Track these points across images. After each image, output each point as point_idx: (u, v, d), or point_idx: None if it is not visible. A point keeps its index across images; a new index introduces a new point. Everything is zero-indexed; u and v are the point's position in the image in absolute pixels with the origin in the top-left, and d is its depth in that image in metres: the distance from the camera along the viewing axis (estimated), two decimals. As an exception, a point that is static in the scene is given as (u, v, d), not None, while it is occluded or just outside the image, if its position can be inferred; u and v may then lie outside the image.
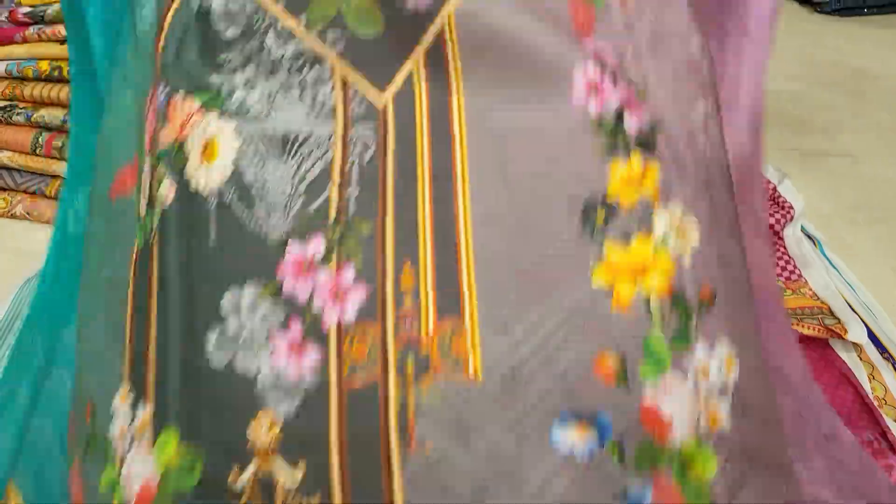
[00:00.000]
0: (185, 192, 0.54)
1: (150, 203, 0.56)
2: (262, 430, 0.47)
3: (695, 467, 0.52)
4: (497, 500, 0.48)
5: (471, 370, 0.51)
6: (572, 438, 0.50)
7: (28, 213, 1.29)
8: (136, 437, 0.51)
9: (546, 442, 0.50)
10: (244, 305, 0.51)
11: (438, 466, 0.48)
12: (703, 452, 0.52)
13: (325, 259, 0.52)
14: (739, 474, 0.53)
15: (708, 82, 0.66)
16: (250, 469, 0.46)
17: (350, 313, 0.51)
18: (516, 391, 0.51)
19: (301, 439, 0.48)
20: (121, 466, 0.52)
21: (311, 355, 0.50)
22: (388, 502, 0.47)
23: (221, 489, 0.48)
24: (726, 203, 0.63)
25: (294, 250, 0.52)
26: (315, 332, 0.50)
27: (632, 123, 0.58)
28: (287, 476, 0.46)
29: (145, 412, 0.51)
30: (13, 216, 1.30)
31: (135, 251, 0.57)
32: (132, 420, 0.52)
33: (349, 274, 0.52)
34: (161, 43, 0.60)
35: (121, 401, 0.53)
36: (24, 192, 1.31)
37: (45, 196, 1.30)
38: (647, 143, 0.58)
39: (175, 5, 0.60)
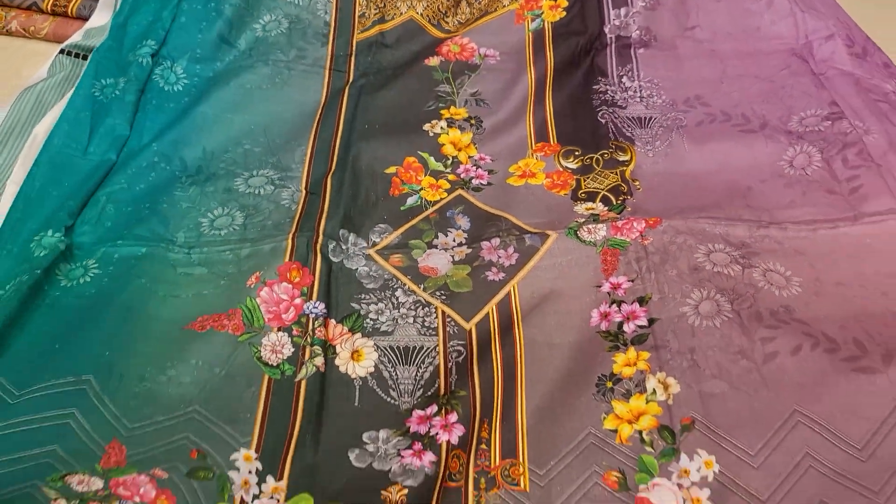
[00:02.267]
0: (335, 371, 0.92)
1: (298, 355, 0.92)
2: (394, 493, 0.81)
3: (678, 539, 0.76)
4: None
5: (521, 486, 0.82)
6: (587, 523, 0.78)
7: (24, 29, 1.35)
8: (264, 494, 0.83)
9: (569, 525, 0.78)
10: (381, 438, 0.87)
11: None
12: None
13: (438, 413, 0.88)
14: None
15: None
16: None
17: (454, 438, 0.86)
18: (550, 494, 0.80)
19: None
20: None
21: (430, 456, 0.84)
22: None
23: None
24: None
25: (418, 412, 0.89)
26: (432, 446, 0.85)
27: (628, 329, 0.91)
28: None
29: (277, 484, 0.83)
30: (9, 33, 1.35)
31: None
32: (259, 481, 0.83)
33: (453, 417, 0.87)
34: None
35: (244, 459, 0.84)
36: (19, 7, 1.35)
37: (41, 11, 1.34)
38: (638, 340, 0.90)
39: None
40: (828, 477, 0.78)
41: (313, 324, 0.95)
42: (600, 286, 0.96)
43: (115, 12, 1.36)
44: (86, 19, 1.43)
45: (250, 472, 0.82)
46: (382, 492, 0.82)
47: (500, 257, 1.01)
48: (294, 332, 0.94)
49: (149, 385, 0.87)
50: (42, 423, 0.83)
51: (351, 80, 1.32)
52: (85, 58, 1.29)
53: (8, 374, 0.87)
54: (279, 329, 0.94)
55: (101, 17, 1.42)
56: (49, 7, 1.39)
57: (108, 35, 1.28)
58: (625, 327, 0.92)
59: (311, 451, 0.85)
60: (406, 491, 0.82)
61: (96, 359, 0.89)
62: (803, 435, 0.81)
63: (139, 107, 1.24)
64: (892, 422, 0.81)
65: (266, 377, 0.90)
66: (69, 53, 1.31)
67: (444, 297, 0.99)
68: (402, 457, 0.85)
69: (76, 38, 1.34)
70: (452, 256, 1.03)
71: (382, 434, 0.87)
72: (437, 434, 0.87)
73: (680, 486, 0.79)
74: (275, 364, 0.91)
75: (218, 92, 1.28)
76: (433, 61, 1.34)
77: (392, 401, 0.90)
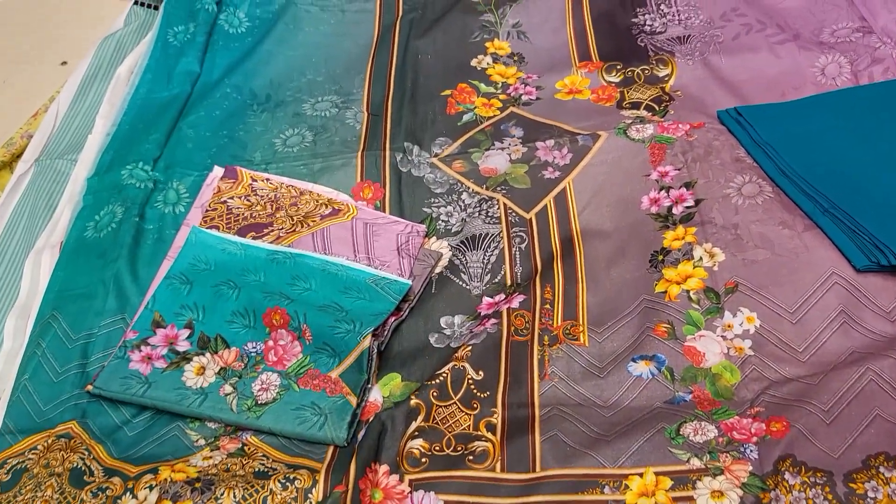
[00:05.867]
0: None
1: None
2: (461, 352, 0.89)
3: (722, 379, 0.83)
4: (592, 408, 0.84)
5: (581, 341, 0.89)
6: (640, 368, 0.85)
7: None
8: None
9: (624, 370, 0.85)
10: (456, 323, 0.95)
11: (557, 388, 0.86)
12: (729, 369, 0.83)
13: (505, 299, 0.96)
14: (759, 380, 0.82)
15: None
16: (449, 364, 0.88)
17: (515, 303, 0.93)
18: (604, 350, 0.88)
19: (482, 358, 0.88)
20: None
21: (492, 321, 0.92)
22: (529, 402, 0.85)
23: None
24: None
25: (486, 300, 0.97)
26: (496, 314, 0.93)
27: (676, 211, 0.98)
28: (472, 374, 0.87)
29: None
30: None
31: None
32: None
33: (518, 298, 0.95)
34: None
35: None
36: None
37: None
38: (686, 219, 0.97)
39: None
40: (860, 333, 0.85)
41: None
42: (648, 175, 1.04)
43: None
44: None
45: None
46: (454, 354, 0.90)
47: (554, 157, 1.09)
48: None
49: None
50: None
51: (401, 14, 1.41)
52: (156, 8, 1.40)
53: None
54: None
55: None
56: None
57: (176, -14, 1.39)
58: (674, 210, 0.99)
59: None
60: (470, 348, 0.90)
61: None
62: (838, 293, 0.88)
63: (208, 47, 1.34)
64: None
65: None
66: (143, 4, 1.42)
67: (504, 192, 1.07)
68: (472, 331, 0.93)
69: (148, -11, 1.45)
70: (510, 155, 1.11)
71: (457, 319, 0.95)
72: (499, 307, 0.95)
73: (724, 337, 0.87)
74: None
75: (278, 32, 1.38)
76: None
77: (464, 284, 0.99)
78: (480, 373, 0.87)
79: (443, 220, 1.06)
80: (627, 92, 1.20)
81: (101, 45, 1.36)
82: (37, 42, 1.56)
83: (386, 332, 0.93)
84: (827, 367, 0.82)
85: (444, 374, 0.87)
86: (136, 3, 1.43)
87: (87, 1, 1.58)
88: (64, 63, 1.50)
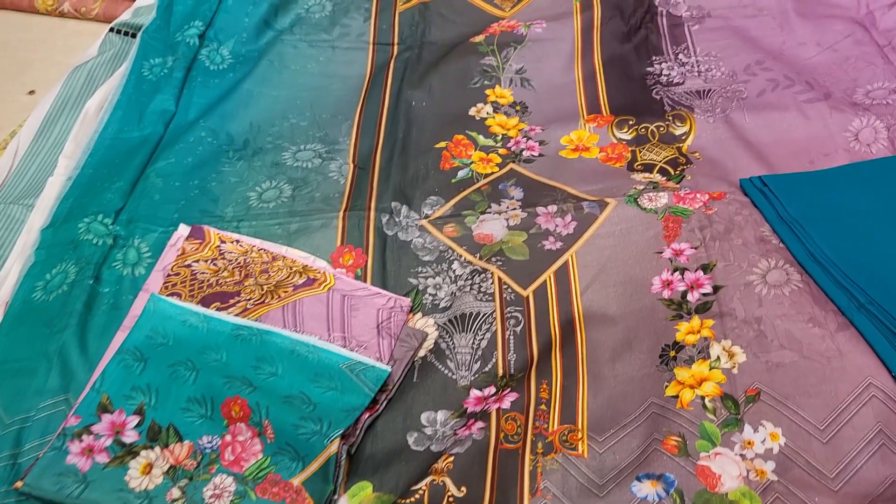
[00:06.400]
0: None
1: None
2: (441, 463, 0.78)
3: (742, 506, 0.72)
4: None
5: (579, 451, 0.78)
6: (646, 489, 0.74)
7: (76, 10, 1.36)
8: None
9: (627, 490, 0.74)
10: (439, 420, 0.84)
11: (553, 507, 0.75)
12: (749, 496, 0.72)
13: (495, 395, 0.85)
14: None
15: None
16: (427, 479, 0.76)
17: (506, 403, 0.82)
18: (606, 463, 0.77)
19: (465, 471, 0.77)
20: None
21: (478, 424, 0.81)
22: (518, 526, 0.74)
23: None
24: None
25: (475, 393, 0.85)
26: (483, 416, 0.82)
27: (692, 298, 0.87)
28: (454, 490, 0.75)
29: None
30: (61, 14, 1.38)
31: None
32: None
33: (511, 397, 0.84)
34: None
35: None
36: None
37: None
38: (702, 308, 0.86)
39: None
40: None
41: None
42: (661, 252, 0.93)
43: (161, -8, 1.36)
44: (134, -1, 1.43)
45: None
46: (433, 465, 0.79)
47: (556, 226, 0.98)
48: None
49: None
50: None
51: (396, 53, 1.30)
52: (134, 35, 1.30)
53: None
54: None
55: (149, -4, 1.42)
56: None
57: (156, 15, 1.29)
58: (689, 296, 0.88)
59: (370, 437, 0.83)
60: (452, 458, 0.79)
61: None
62: (877, 409, 0.77)
63: (185, 84, 1.23)
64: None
65: None
66: (118, 31, 1.32)
67: (500, 263, 0.96)
68: (457, 434, 0.82)
69: (125, 16, 1.35)
70: (507, 220, 1.00)
71: (441, 416, 0.84)
72: (488, 408, 0.84)
73: (743, 456, 0.75)
74: None
75: (262, 71, 1.27)
76: (478, 38, 1.31)
77: (450, 373, 0.87)
78: (463, 489, 0.76)
79: (430, 294, 0.95)
80: (640, 152, 1.09)
81: (70, 75, 1.25)
82: (2, 68, 1.44)
83: (358, 432, 0.82)
84: (862, 501, 0.71)
85: (422, 491, 0.76)
86: (111, 29, 1.32)
87: (60, 24, 1.46)
88: (32, 92, 1.39)
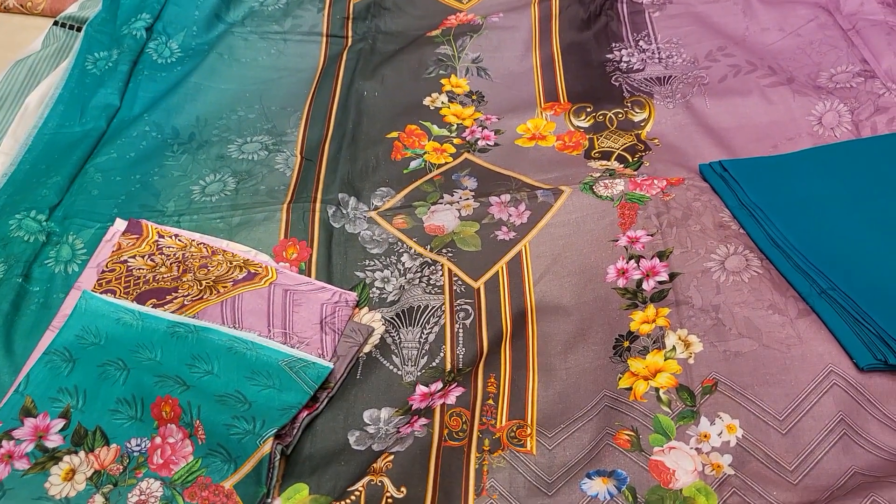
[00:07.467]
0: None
1: None
2: (380, 462, 0.73)
3: (697, 502, 0.67)
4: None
5: (528, 447, 0.74)
6: (597, 487, 0.70)
7: (21, 5, 1.32)
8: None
9: (577, 489, 0.70)
10: (382, 418, 0.79)
11: (499, 507, 0.70)
12: (705, 492, 0.68)
13: (441, 390, 0.80)
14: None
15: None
16: (364, 479, 0.72)
17: (451, 398, 0.78)
18: (555, 460, 0.73)
19: (405, 470, 0.73)
20: None
21: (421, 422, 0.76)
22: (461, 528, 0.69)
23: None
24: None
25: (421, 389, 0.81)
26: (427, 413, 0.77)
27: (647, 287, 0.83)
28: (392, 491, 0.71)
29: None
30: (6, 9, 1.33)
31: None
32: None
33: (457, 391, 0.79)
34: None
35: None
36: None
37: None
38: (658, 297, 0.82)
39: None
40: (864, 448, 0.70)
41: None
42: (617, 240, 0.89)
43: (108, -16, 1.32)
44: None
45: None
46: (372, 465, 0.75)
47: (510, 215, 0.94)
48: None
49: None
50: None
51: (349, 44, 1.26)
52: (79, 29, 1.25)
53: None
54: None
55: (96, -11, 1.38)
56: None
57: (102, 7, 1.24)
58: (644, 285, 0.84)
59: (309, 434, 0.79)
60: (392, 457, 0.74)
61: None
62: (838, 397, 0.73)
63: (131, 78, 1.19)
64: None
65: None
66: (63, 25, 1.27)
67: (450, 255, 0.91)
68: (399, 432, 0.78)
69: (71, 9, 1.29)
70: (459, 211, 0.96)
71: (384, 413, 0.80)
72: (433, 404, 0.79)
73: (698, 450, 0.71)
74: None
75: (211, 64, 1.23)
76: (434, 32, 1.27)
77: (395, 369, 0.83)
78: (403, 489, 0.72)
79: (378, 287, 0.90)
80: (597, 139, 1.05)
81: (11, 69, 1.20)
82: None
83: (295, 431, 0.77)
84: (823, 494, 0.67)
85: (358, 492, 0.71)
86: (56, 23, 1.27)
87: (6, 19, 1.40)
88: (-28, 89, 1.33)
